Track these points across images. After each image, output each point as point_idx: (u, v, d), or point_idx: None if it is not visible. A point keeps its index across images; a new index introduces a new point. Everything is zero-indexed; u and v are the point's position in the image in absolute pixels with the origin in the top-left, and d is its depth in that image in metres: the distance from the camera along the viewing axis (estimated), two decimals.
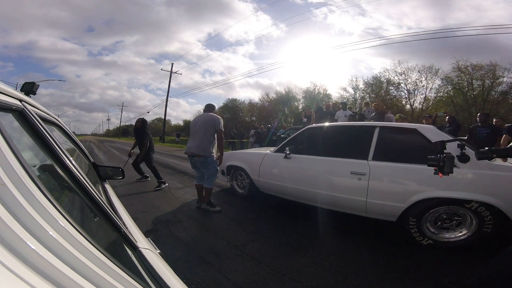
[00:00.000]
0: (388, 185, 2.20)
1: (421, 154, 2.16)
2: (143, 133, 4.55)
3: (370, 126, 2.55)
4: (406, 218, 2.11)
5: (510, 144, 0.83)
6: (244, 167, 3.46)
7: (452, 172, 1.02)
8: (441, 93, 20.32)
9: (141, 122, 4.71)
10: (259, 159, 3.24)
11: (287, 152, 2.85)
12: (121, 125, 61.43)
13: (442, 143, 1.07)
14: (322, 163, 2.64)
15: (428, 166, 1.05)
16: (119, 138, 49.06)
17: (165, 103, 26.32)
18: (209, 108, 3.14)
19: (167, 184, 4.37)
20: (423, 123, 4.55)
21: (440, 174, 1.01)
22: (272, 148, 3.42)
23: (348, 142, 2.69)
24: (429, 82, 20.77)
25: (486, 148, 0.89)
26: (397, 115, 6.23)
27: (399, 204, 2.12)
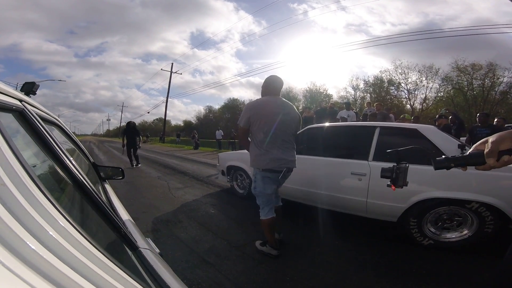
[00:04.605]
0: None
1: (421, 155, 2.16)
2: (136, 131, 6.84)
3: (371, 126, 2.55)
4: (406, 218, 2.11)
5: (468, 152, 0.76)
6: (244, 167, 3.46)
7: (406, 185, 0.95)
8: (441, 93, 20.38)
9: (134, 123, 7.00)
10: None
11: None
12: (121, 125, 61.67)
13: (397, 152, 1.00)
14: (322, 163, 2.63)
15: (381, 177, 0.98)
16: (119, 138, 48.99)
17: (162, 103, 26.47)
18: (278, 87, 1.99)
19: (140, 165, 6.76)
20: (434, 124, 4.48)
21: (393, 187, 0.94)
22: None
23: (348, 143, 2.69)
24: (429, 82, 20.84)
25: (443, 156, 0.77)
26: (406, 115, 6.26)
27: (400, 205, 2.12)
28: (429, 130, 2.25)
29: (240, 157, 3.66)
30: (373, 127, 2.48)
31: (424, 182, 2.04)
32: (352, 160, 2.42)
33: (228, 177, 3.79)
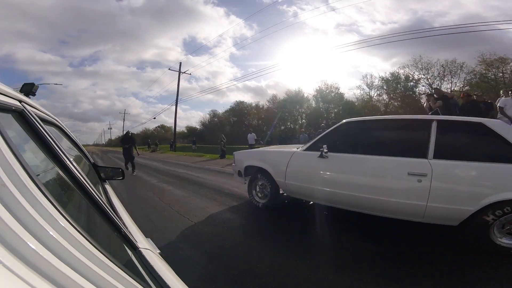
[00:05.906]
0: (455, 187, 1.92)
1: (491, 151, 1.94)
2: (133, 140, 7.75)
3: (425, 119, 2.26)
4: (473, 222, 1.85)
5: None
6: (266, 168, 2.94)
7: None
8: (468, 87, 19.52)
9: (131, 133, 8.15)
10: (286, 159, 2.77)
11: (325, 151, 2.43)
12: (122, 133, 59.96)
13: None
14: (369, 163, 2.28)
15: None
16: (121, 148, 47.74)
17: (163, 110, 24.96)
18: None
19: (135, 173, 7.12)
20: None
21: None
22: (299, 146, 3.01)
23: (400, 138, 2.39)
24: (453, 77, 20.47)
25: None
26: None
27: (468, 207, 1.83)
28: (498, 124, 1.97)
29: (261, 157, 3.13)
30: (429, 120, 2.19)
31: (498, 182, 1.78)
32: (408, 158, 2.10)
33: (246, 178, 3.30)
